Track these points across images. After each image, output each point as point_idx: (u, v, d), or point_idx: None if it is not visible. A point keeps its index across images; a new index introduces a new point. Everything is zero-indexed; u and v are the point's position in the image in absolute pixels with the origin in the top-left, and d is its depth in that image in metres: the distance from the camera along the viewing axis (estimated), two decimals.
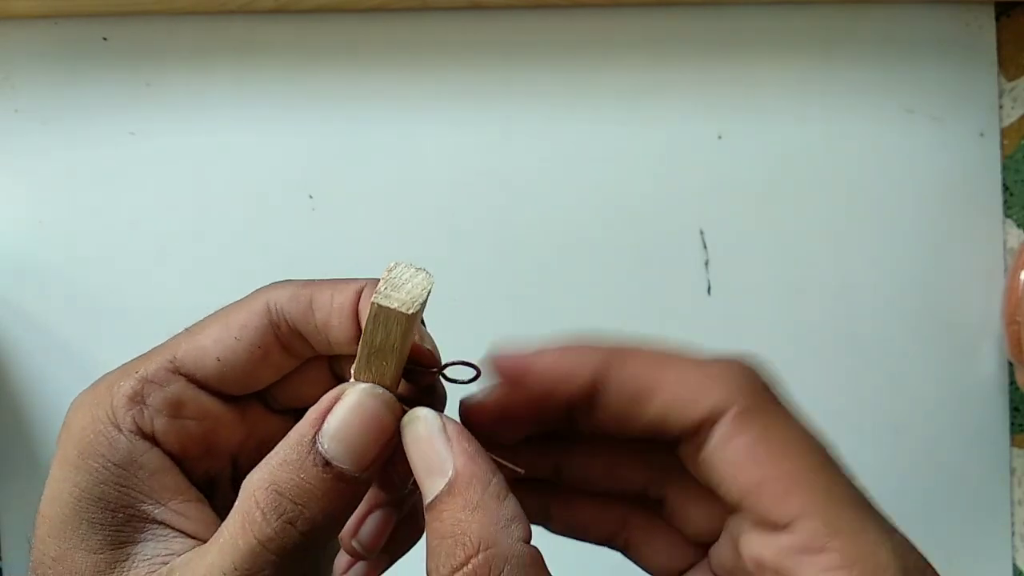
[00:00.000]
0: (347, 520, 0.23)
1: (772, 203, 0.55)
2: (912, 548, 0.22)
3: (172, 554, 0.23)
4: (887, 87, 0.55)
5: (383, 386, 0.23)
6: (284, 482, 0.21)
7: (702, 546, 0.26)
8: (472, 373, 0.26)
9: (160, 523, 0.24)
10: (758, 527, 0.22)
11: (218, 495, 0.26)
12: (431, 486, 0.22)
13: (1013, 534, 0.57)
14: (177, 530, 0.24)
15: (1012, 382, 0.56)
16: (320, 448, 0.22)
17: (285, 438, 0.22)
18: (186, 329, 0.26)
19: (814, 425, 0.24)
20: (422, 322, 0.26)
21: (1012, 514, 0.56)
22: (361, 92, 0.54)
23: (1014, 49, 0.55)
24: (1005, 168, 0.56)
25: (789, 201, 0.55)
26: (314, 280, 0.26)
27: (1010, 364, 0.55)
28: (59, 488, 0.23)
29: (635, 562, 0.27)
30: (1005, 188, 0.56)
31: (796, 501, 0.21)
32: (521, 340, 0.25)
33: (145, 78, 0.54)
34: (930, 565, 0.22)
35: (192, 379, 0.25)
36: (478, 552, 0.20)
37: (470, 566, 0.20)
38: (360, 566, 0.28)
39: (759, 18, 0.55)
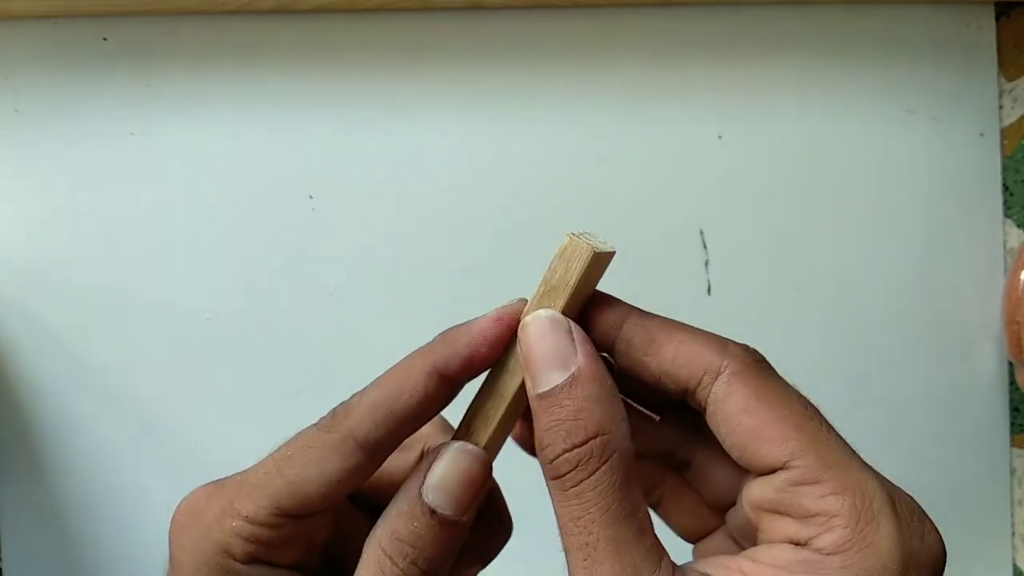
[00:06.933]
0: (455, 554, 0.27)
1: (772, 203, 0.55)
2: (890, 483, 0.25)
3: None
4: (887, 87, 0.55)
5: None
6: (402, 530, 0.26)
7: (721, 511, 0.30)
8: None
9: None
10: (759, 474, 0.25)
11: None
12: (548, 377, 0.25)
13: (1013, 534, 0.57)
14: None
15: (1012, 382, 0.56)
16: (425, 499, 0.26)
17: (396, 494, 0.26)
18: (275, 465, 0.27)
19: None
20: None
21: (1012, 514, 0.57)
22: (361, 92, 0.54)
23: (1014, 49, 0.55)
24: (1005, 168, 0.56)
25: (789, 201, 0.55)
26: None
27: (1010, 364, 0.55)
28: None
29: (664, 521, 0.30)
30: (1005, 188, 0.56)
31: (791, 444, 0.24)
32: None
33: (145, 78, 0.54)
34: (909, 495, 0.25)
35: (297, 516, 0.27)
36: (596, 436, 0.24)
37: (587, 447, 0.24)
38: None
39: (759, 18, 0.55)
